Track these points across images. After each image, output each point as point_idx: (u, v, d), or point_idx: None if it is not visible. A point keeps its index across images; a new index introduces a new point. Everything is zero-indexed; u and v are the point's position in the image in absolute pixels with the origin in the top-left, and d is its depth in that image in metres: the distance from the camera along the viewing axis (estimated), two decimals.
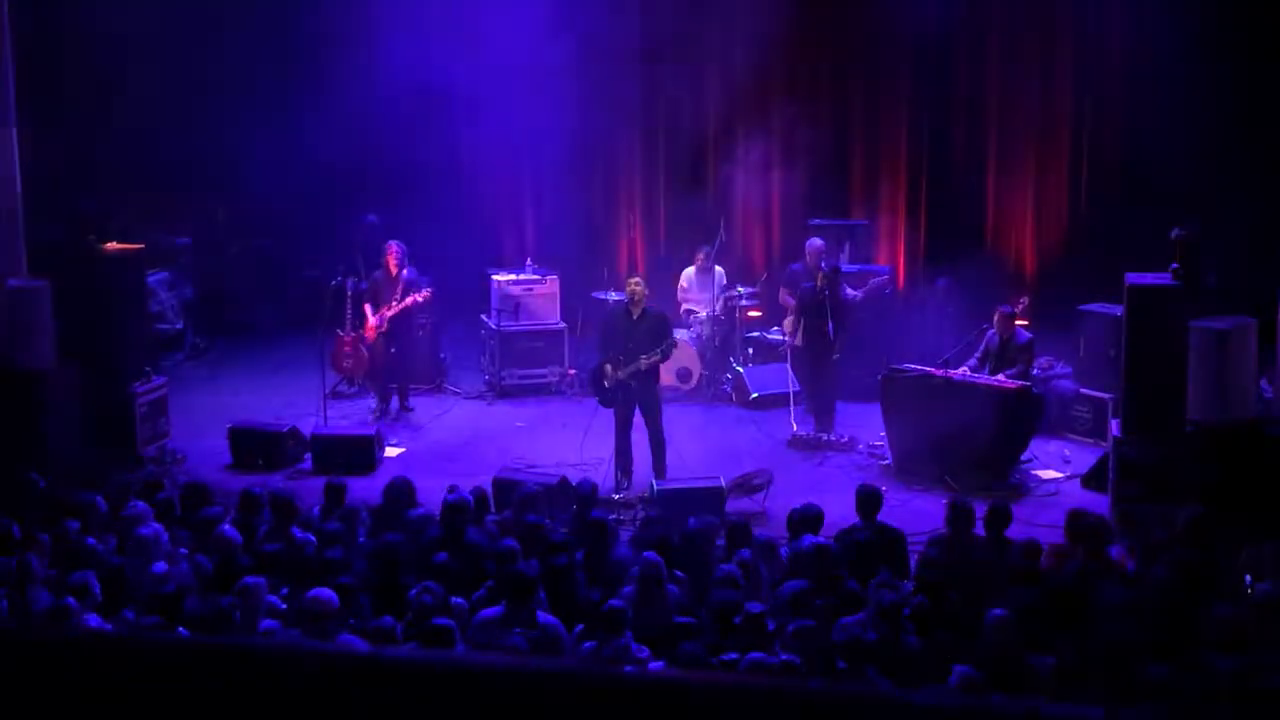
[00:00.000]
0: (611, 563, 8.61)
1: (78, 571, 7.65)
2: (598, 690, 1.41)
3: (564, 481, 10.58)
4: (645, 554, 8.04)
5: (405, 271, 13.51)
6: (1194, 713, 6.17)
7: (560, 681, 1.45)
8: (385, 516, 9.31)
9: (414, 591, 7.69)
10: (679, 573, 8.25)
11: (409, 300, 13.39)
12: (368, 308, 13.51)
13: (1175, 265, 10.60)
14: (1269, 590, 7.51)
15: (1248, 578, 7.91)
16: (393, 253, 13.51)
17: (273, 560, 8.45)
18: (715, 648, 7.11)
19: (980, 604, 7.63)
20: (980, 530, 8.95)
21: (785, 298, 13.46)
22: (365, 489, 10.65)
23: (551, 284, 14.72)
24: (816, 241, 13.25)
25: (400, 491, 9.45)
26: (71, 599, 7.29)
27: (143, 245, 12.93)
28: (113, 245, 12.49)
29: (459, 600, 7.81)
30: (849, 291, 12.83)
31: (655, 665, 7.06)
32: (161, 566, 8.13)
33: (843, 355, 12.65)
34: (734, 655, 6.91)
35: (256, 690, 1.50)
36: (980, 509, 9.10)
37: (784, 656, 6.91)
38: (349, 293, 13.81)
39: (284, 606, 7.78)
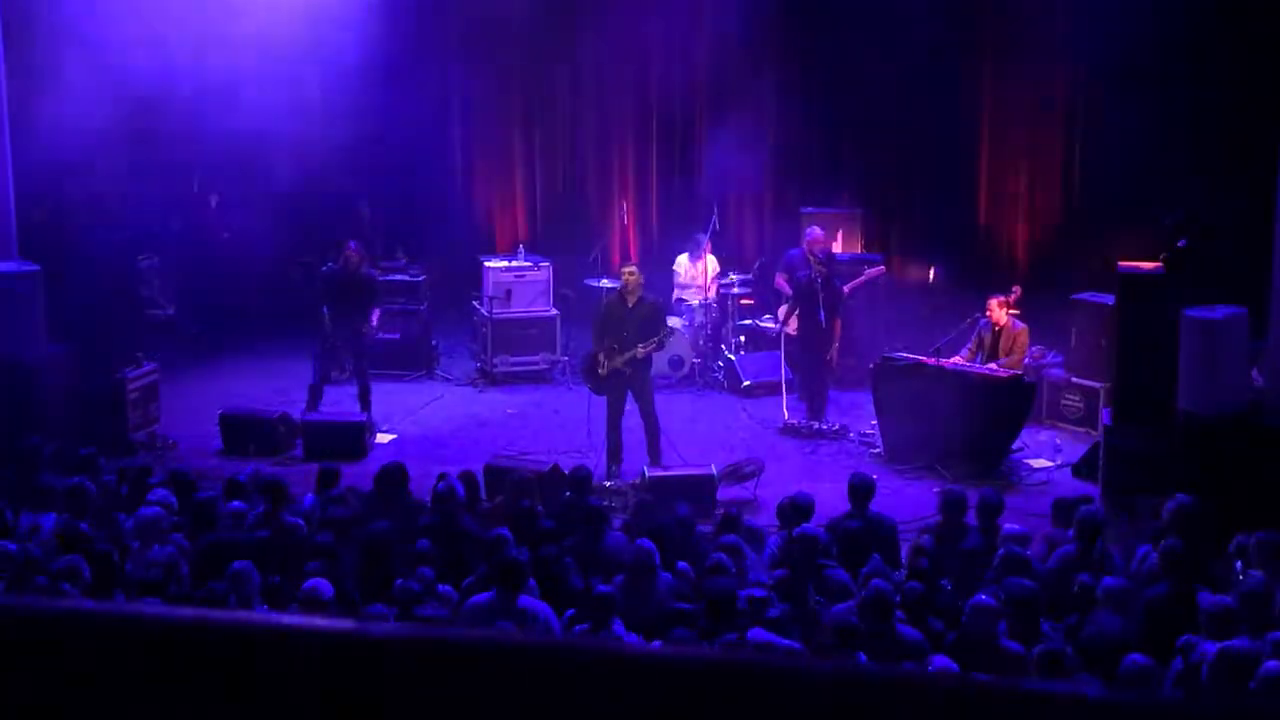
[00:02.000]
0: (604, 550, 8.61)
1: (67, 555, 7.63)
2: (583, 666, 1.41)
3: (555, 468, 10.57)
4: (639, 541, 8.03)
5: (364, 270, 13.00)
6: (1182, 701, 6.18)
7: (546, 657, 1.44)
8: (378, 502, 9.30)
9: (400, 581, 7.69)
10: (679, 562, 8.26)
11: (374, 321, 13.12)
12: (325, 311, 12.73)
13: (1167, 254, 10.62)
14: (1259, 579, 7.53)
15: (1238, 564, 7.92)
16: (354, 252, 12.94)
17: (262, 546, 8.42)
18: (708, 634, 7.12)
19: (971, 592, 7.65)
20: (972, 519, 8.97)
21: (781, 283, 13.44)
22: (356, 475, 10.63)
23: (544, 271, 14.70)
24: (816, 230, 13.24)
25: (393, 477, 9.42)
26: (63, 584, 7.28)
27: (134, 231, 12.88)
28: (105, 231, 12.45)
29: (445, 588, 7.80)
30: (836, 281, 12.82)
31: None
32: (157, 550, 8.14)
33: (840, 344, 12.65)
34: (732, 637, 6.92)
35: (249, 668, 1.50)
36: (972, 498, 9.12)
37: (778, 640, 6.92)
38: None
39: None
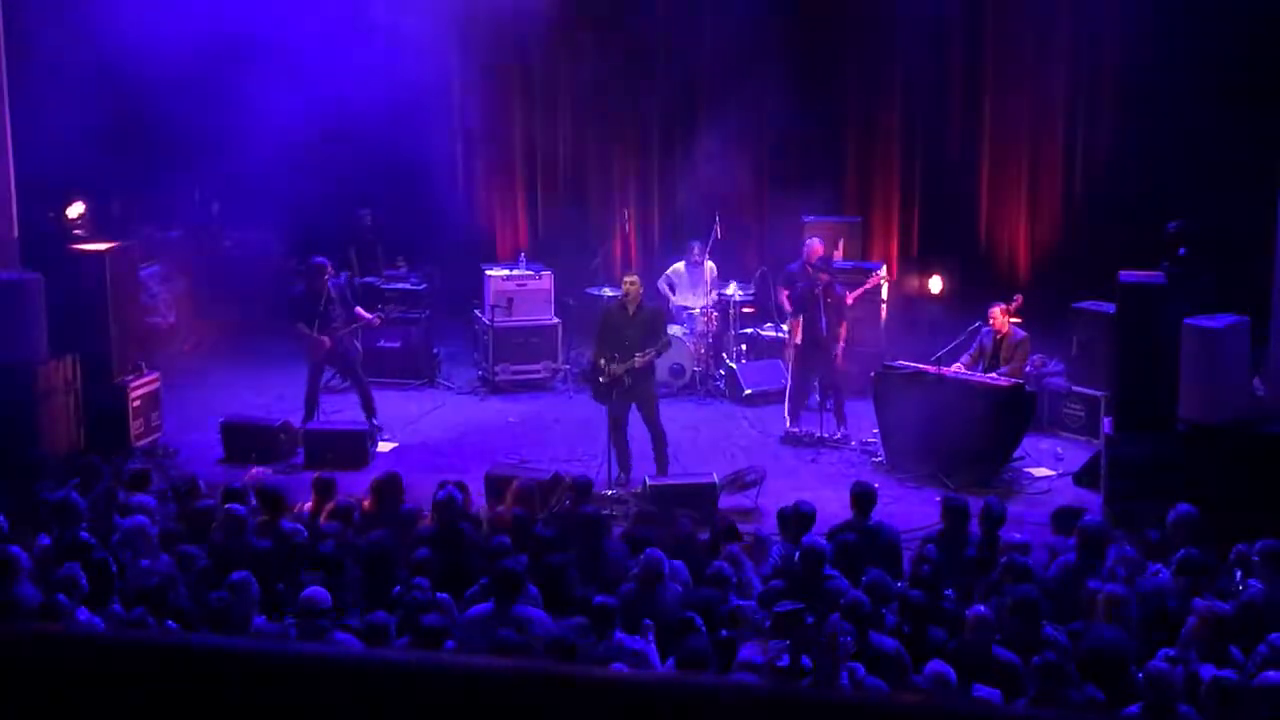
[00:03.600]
0: (605, 558, 8.60)
1: (64, 565, 7.62)
2: (582, 691, 1.40)
3: (557, 476, 10.56)
4: (648, 550, 8.01)
5: (330, 282, 12.82)
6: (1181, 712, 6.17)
7: (546, 682, 1.44)
8: (373, 512, 9.29)
9: (397, 589, 7.68)
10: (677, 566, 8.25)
11: (373, 318, 13.11)
12: (305, 327, 12.56)
13: (1167, 263, 10.62)
14: (1260, 589, 7.52)
15: (1238, 573, 7.91)
16: (320, 266, 12.77)
17: (263, 555, 8.42)
18: (714, 642, 7.11)
19: (974, 601, 7.64)
20: (975, 528, 8.96)
21: (782, 299, 13.41)
22: (357, 484, 10.62)
23: (545, 280, 14.70)
24: (815, 243, 13.25)
25: (387, 487, 9.41)
26: (60, 594, 7.26)
27: (135, 238, 12.86)
28: (105, 238, 12.45)
29: (443, 596, 7.79)
30: (839, 288, 12.81)
31: (654, 659, 7.07)
32: (148, 561, 8.12)
33: (845, 348, 12.64)
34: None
35: (246, 691, 1.49)
36: (974, 506, 9.10)
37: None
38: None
39: None
